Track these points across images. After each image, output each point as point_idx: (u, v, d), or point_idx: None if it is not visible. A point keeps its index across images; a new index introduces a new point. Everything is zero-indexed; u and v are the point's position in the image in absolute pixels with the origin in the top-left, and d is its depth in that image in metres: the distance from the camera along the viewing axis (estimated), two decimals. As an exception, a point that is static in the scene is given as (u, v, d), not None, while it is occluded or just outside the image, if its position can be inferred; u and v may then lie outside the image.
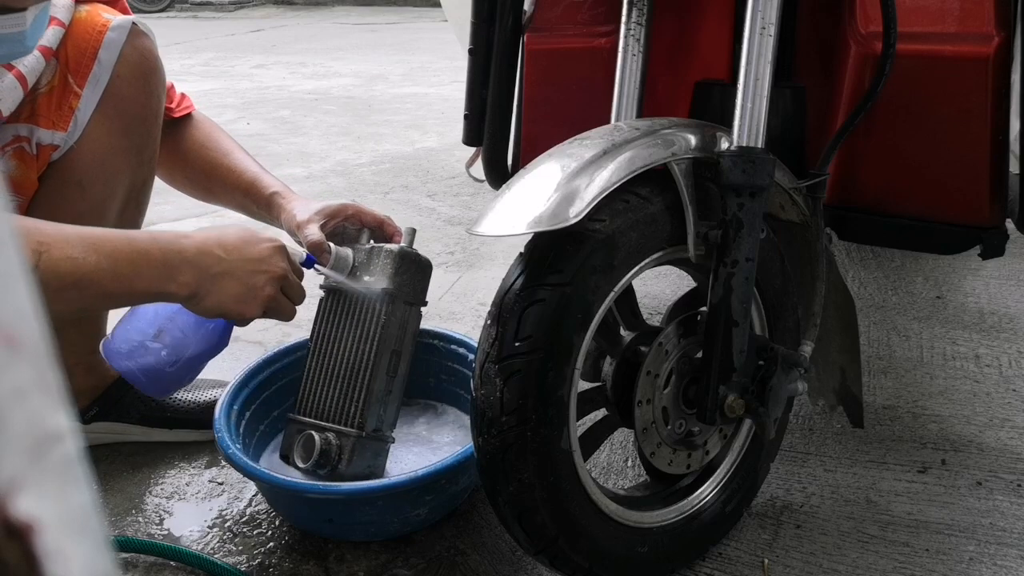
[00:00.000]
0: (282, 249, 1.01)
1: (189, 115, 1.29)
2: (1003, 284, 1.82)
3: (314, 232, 1.13)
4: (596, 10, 1.21)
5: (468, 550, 1.08)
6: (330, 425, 1.11)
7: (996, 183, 1.03)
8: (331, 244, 1.14)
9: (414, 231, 1.19)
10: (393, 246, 1.15)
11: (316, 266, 1.13)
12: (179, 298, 0.94)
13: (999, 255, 1.05)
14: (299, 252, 1.08)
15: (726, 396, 0.92)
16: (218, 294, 0.95)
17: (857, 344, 1.17)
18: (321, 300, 1.19)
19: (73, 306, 0.89)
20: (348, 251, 1.15)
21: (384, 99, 4.14)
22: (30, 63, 1.05)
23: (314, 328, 1.19)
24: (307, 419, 1.14)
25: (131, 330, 1.05)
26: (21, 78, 1.04)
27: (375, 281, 1.13)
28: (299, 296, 1.05)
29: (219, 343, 1.09)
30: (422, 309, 1.17)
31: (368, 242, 1.20)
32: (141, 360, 1.04)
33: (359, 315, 1.14)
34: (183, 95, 1.30)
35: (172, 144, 1.26)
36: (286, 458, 1.14)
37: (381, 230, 1.21)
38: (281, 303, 1.02)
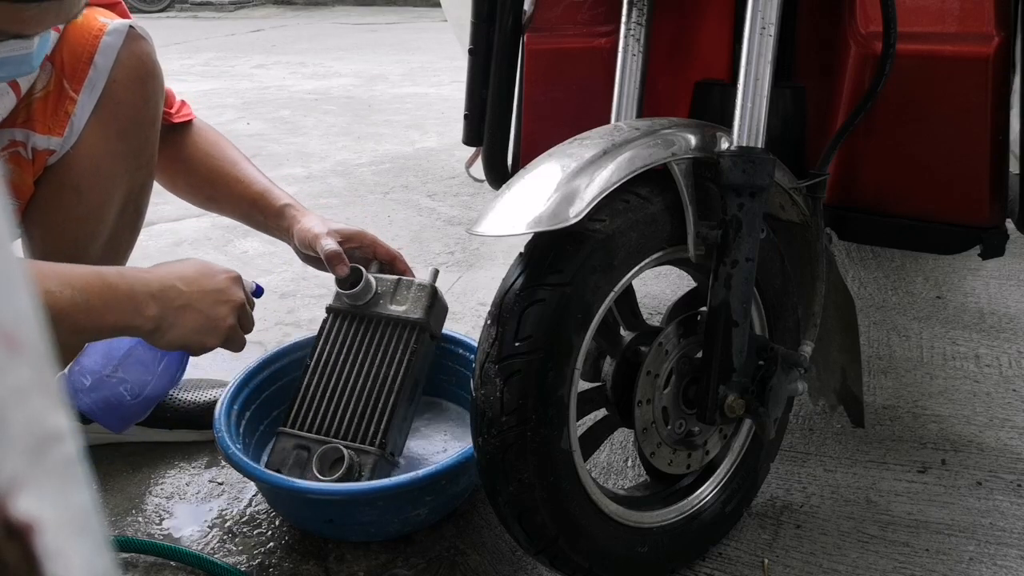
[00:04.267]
0: (239, 280, 1.04)
1: (190, 122, 1.29)
2: (1003, 284, 1.82)
3: (331, 244, 1.14)
4: (596, 10, 1.21)
5: (468, 550, 1.08)
6: (344, 443, 1.11)
7: (996, 183, 1.03)
8: (360, 268, 1.16)
9: (437, 272, 1.21)
10: (425, 281, 1.17)
11: (339, 289, 1.15)
12: (143, 332, 0.94)
13: (999, 255, 1.05)
14: (249, 283, 1.09)
15: (726, 396, 0.92)
16: (181, 327, 0.96)
17: (857, 344, 1.17)
18: (326, 321, 1.19)
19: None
20: (371, 277, 1.17)
21: (384, 99, 4.14)
22: None
23: (319, 346, 1.18)
24: (308, 434, 1.13)
25: (90, 365, 1.06)
26: (14, 85, 1.04)
27: (408, 311, 1.15)
28: (250, 326, 1.07)
29: (176, 374, 1.10)
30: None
31: (376, 272, 1.21)
32: (104, 394, 1.05)
33: (383, 339, 1.15)
34: (183, 102, 1.29)
35: (173, 150, 1.26)
36: (277, 472, 1.12)
37: (392, 265, 1.22)
38: (238, 334, 1.04)
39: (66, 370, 1.07)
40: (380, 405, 1.12)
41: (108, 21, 1.10)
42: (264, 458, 1.18)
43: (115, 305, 0.91)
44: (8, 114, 1.06)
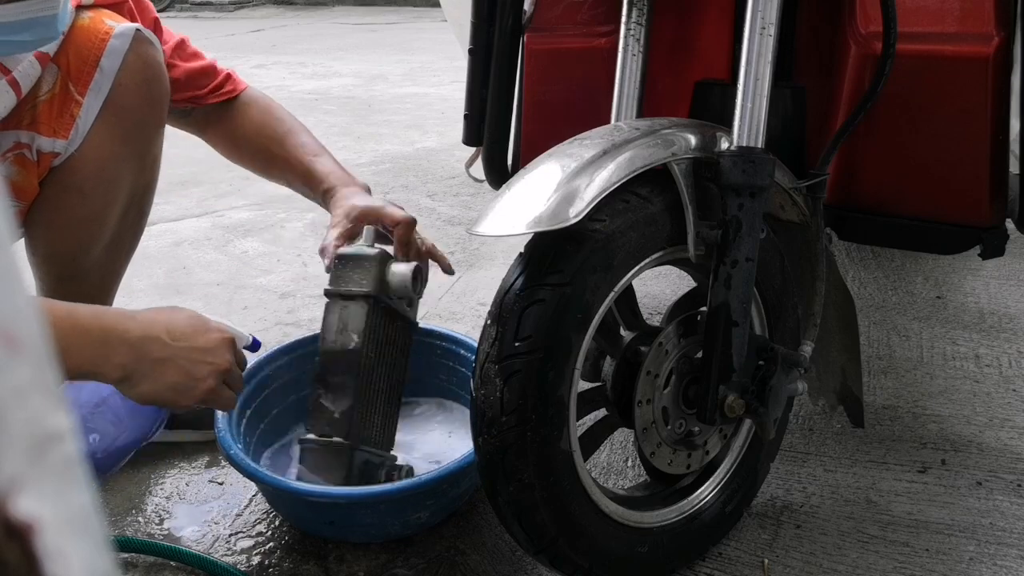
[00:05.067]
0: (230, 341, 0.97)
1: (238, 96, 1.28)
2: (1003, 284, 1.82)
3: (330, 256, 1.09)
4: (596, 10, 1.21)
5: (468, 550, 1.08)
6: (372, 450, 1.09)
7: (996, 183, 1.03)
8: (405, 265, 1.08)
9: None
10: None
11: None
12: (110, 379, 0.89)
13: (999, 255, 1.05)
14: (244, 337, 1.05)
15: (726, 396, 0.92)
16: (155, 380, 0.90)
17: (857, 344, 1.17)
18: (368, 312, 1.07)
19: None
20: (406, 271, 1.07)
21: (384, 99, 4.14)
22: (24, 68, 1.04)
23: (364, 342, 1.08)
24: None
25: None
26: (15, 83, 1.04)
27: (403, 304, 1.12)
28: (240, 386, 1.00)
29: (150, 430, 1.04)
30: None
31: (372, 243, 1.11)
32: None
33: (392, 337, 1.11)
34: (229, 75, 1.28)
35: (226, 128, 1.26)
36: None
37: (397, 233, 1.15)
38: (221, 395, 0.97)
39: None
40: (391, 408, 1.12)
41: (115, 24, 1.10)
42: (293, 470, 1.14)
43: (79, 349, 0.85)
44: (9, 113, 1.05)
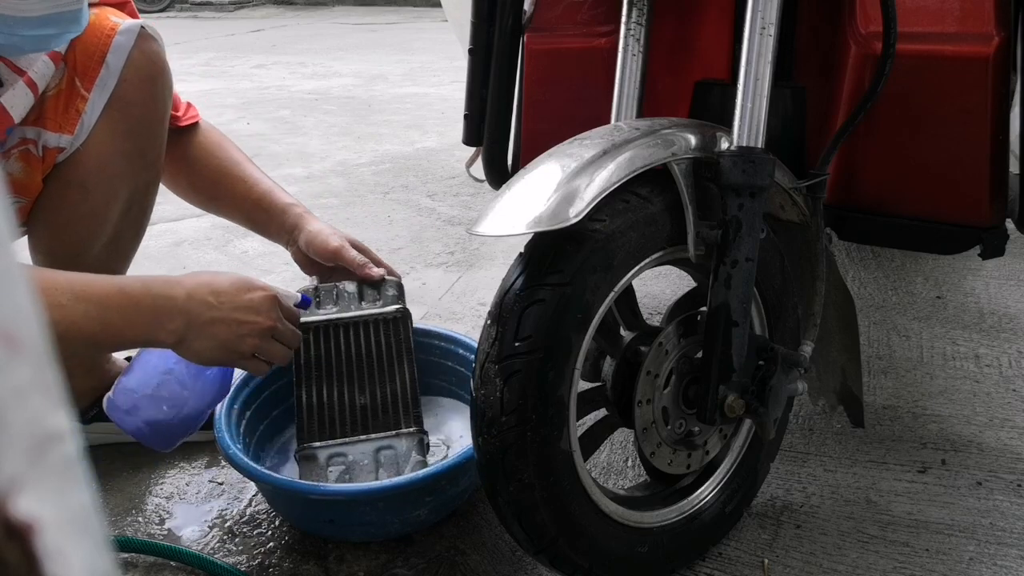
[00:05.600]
0: (274, 299, 1.01)
1: (196, 124, 1.29)
2: (1003, 284, 1.82)
3: (357, 255, 1.19)
4: (596, 10, 1.21)
5: (468, 550, 1.08)
6: (379, 435, 1.11)
7: (996, 183, 1.03)
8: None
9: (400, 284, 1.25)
10: (392, 279, 1.22)
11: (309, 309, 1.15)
12: (166, 344, 0.95)
13: (999, 255, 1.05)
14: (293, 295, 1.08)
15: (726, 396, 0.92)
16: (206, 339, 0.96)
17: (857, 344, 1.17)
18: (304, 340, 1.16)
19: (59, 352, 0.88)
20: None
21: (384, 99, 4.14)
22: (40, 69, 1.05)
23: (300, 361, 1.14)
24: (332, 441, 1.11)
25: (131, 386, 1.06)
26: (32, 84, 1.05)
27: (385, 304, 1.20)
28: (293, 341, 1.05)
29: (219, 392, 1.10)
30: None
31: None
32: (149, 414, 1.05)
33: (371, 336, 1.17)
34: (189, 104, 1.30)
35: (178, 150, 1.26)
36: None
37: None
38: (270, 350, 1.02)
39: (111, 392, 1.07)
40: (400, 390, 1.14)
41: (120, 21, 1.10)
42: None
43: (136, 320, 0.92)
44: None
